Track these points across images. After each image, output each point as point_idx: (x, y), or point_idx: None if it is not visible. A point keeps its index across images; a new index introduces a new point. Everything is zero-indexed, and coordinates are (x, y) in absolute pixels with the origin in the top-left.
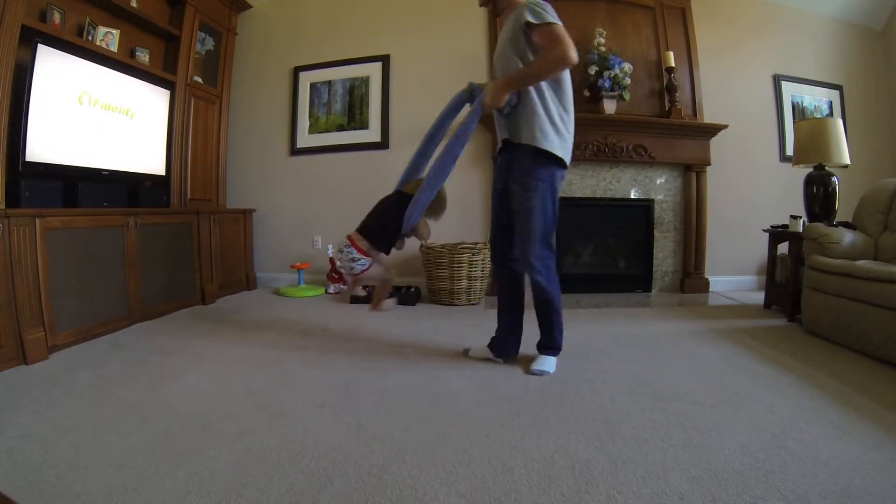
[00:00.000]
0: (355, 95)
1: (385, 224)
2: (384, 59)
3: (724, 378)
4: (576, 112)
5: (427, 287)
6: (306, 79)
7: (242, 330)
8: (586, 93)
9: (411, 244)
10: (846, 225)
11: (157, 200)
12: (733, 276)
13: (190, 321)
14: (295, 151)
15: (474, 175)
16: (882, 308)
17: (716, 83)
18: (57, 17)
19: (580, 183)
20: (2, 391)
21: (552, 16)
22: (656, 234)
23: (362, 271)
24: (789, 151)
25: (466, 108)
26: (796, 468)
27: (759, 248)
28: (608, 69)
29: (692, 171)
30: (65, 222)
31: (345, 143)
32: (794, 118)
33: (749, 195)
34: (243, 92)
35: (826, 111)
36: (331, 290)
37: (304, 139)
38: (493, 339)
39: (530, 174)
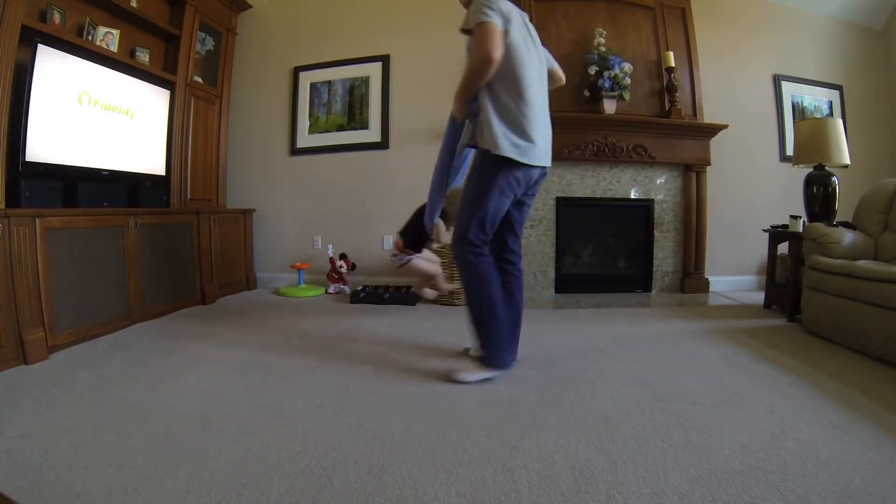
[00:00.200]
0: (355, 95)
1: (413, 227)
2: (384, 59)
3: (724, 378)
4: (576, 112)
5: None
6: (306, 79)
7: (242, 330)
8: (586, 93)
9: None
10: (846, 225)
11: (157, 200)
12: (733, 276)
13: (190, 321)
14: (295, 151)
15: None
16: (882, 308)
17: (716, 83)
18: (57, 17)
19: (580, 183)
20: (2, 391)
21: (484, 14)
22: (656, 234)
23: (402, 265)
24: (789, 151)
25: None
26: (796, 468)
27: (759, 248)
28: (608, 69)
29: (692, 171)
30: (65, 222)
31: (345, 143)
32: (794, 118)
33: (749, 195)
34: (243, 92)
35: (826, 111)
36: (331, 289)
37: (304, 139)
38: None
39: (478, 170)
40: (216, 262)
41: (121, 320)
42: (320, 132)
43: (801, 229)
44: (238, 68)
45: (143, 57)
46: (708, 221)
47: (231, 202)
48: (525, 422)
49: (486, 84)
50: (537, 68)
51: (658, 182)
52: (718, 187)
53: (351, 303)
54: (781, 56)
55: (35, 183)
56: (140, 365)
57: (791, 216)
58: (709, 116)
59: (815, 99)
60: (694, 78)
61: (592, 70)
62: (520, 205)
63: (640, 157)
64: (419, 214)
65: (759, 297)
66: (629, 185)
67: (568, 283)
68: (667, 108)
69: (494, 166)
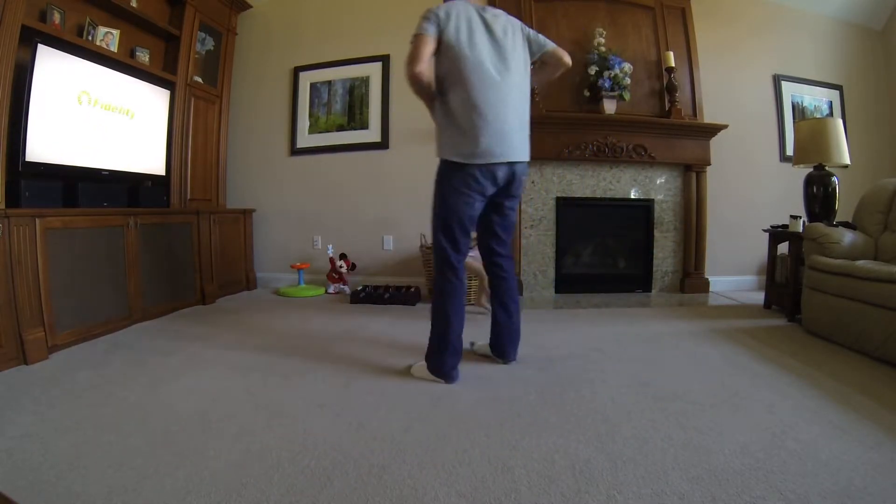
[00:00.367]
0: (355, 95)
1: None
2: (384, 59)
3: (724, 378)
4: (576, 112)
5: (427, 287)
6: (306, 79)
7: (242, 330)
8: (586, 93)
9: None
10: (846, 225)
11: (157, 200)
12: (733, 276)
13: (190, 321)
14: (295, 151)
15: None
16: (882, 308)
17: (716, 83)
18: (57, 17)
19: (580, 183)
20: (2, 391)
21: (419, 26)
22: (656, 234)
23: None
24: (789, 151)
25: None
26: (796, 468)
27: (759, 248)
28: (608, 69)
29: (692, 171)
30: (65, 222)
31: (345, 143)
32: (794, 118)
33: (749, 195)
34: (243, 92)
35: (826, 111)
36: (331, 290)
37: (304, 139)
38: (491, 338)
39: (436, 175)
40: (216, 262)
41: (121, 320)
42: (320, 132)
43: (801, 229)
44: (238, 68)
45: (143, 57)
46: (708, 221)
47: (231, 202)
48: (525, 422)
49: (439, 90)
50: (492, 64)
51: (658, 182)
52: (718, 187)
53: (351, 303)
54: (781, 56)
55: (35, 183)
56: (140, 365)
57: (791, 216)
58: (709, 116)
59: (815, 99)
60: (694, 78)
61: (592, 70)
62: (498, 207)
63: (640, 157)
64: None
65: (759, 297)
66: (629, 185)
67: (568, 283)
68: (667, 108)
69: (445, 169)
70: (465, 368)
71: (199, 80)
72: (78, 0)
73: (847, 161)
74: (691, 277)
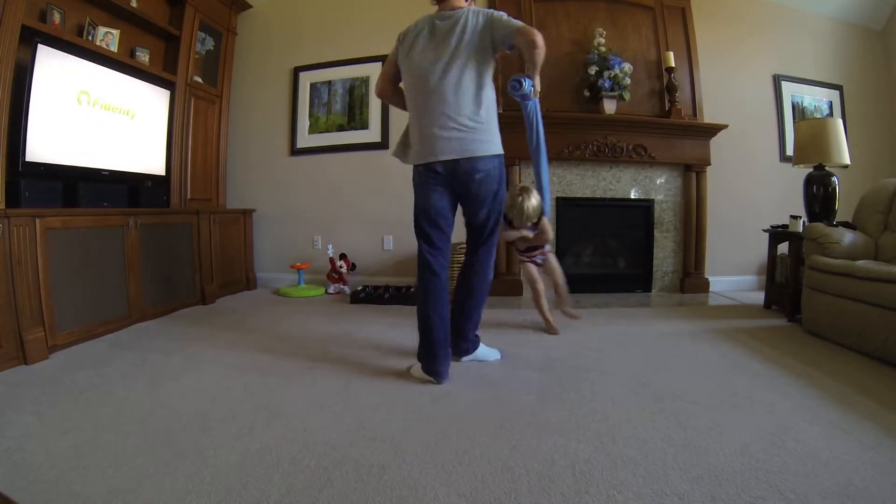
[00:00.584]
0: (355, 95)
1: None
2: (384, 60)
3: (724, 378)
4: (576, 112)
5: None
6: (306, 79)
7: (242, 330)
8: (586, 93)
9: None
10: (846, 225)
11: (157, 200)
12: (733, 276)
13: (190, 321)
14: (295, 151)
15: None
16: (882, 308)
17: (716, 83)
18: (57, 17)
19: (580, 183)
20: (2, 391)
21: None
22: (656, 234)
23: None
24: (789, 151)
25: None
26: (796, 468)
27: (759, 248)
28: (608, 69)
29: (692, 171)
30: (65, 222)
31: (345, 143)
32: (794, 118)
33: (749, 195)
34: (243, 92)
35: (826, 111)
36: (331, 289)
37: (304, 139)
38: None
39: None
40: (216, 262)
41: (121, 320)
42: (320, 132)
43: (801, 229)
44: (238, 68)
45: (143, 57)
46: (708, 221)
47: (231, 202)
48: (525, 422)
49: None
50: (429, 70)
51: (658, 182)
52: (718, 187)
53: (351, 303)
54: (781, 56)
55: (35, 183)
56: (140, 365)
57: (791, 216)
58: (709, 116)
59: (815, 99)
60: (694, 78)
61: (592, 70)
62: (463, 200)
63: (640, 157)
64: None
65: (759, 297)
66: (629, 185)
67: (568, 283)
68: (667, 108)
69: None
70: (466, 369)
71: (199, 80)
72: (78, 0)
73: (847, 161)
74: (691, 277)
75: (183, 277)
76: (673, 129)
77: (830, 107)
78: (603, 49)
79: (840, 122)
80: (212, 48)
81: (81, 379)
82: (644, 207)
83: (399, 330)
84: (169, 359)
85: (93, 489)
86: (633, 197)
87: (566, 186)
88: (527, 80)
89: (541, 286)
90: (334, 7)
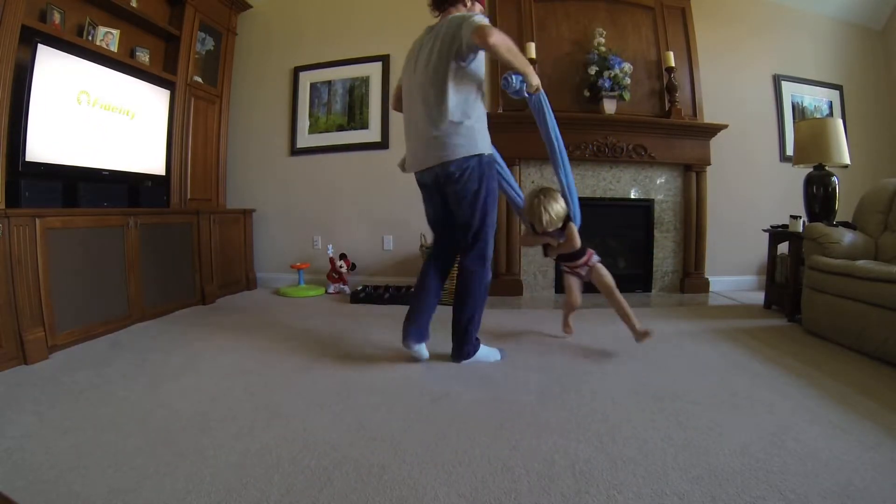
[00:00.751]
0: (355, 95)
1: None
2: (384, 59)
3: (724, 378)
4: (576, 112)
5: None
6: (306, 79)
7: (242, 330)
8: (586, 93)
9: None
10: (846, 225)
11: (157, 200)
12: (733, 276)
13: (190, 321)
14: (295, 151)
15: None
16: (882, 308)
17: (716, 83)
18: (57, 17)
19: (580, 183)
20: (2, 391)
21: None
22: (656, 234)
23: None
24: (789, 151)
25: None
26: (796, 468)
27: (759, 248)
28: (608, 69)
29: (692, 171)
30: (65, 222)
31: (345, 143)
32: (794, 118)
33: (749, 195)
34: (243, 92)
35: (826, 111)
36: (331, 289)
37: (304, 139)
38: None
39: None
40: (216, 262)
41: (121, 320)
42: (320, 132)
43: (801, 229)
44: (238, 68)
45: (143, 57)
46: (708, 221)
47: (231, 202)
48: (525, 422)
49: None
50: (410, 82)
51: (658, 182)
52: (718, 187)
53: (351, 303)
54: (781, 56)
55: (35, 183)
56: (140, 365)
57: (791, 216)
58: (709, 116)
59: (815, 99)
60: (694, 78)
61: (592, 70)
62: (449, 204)
63: (640, 157)
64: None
65: (759, 297)
66: (629, 185)
67: None
68: (667, 108)
69: None
70: (465, 369)
71: (199, 80)
72: (78, 0)
73: (847, 161)
74: (691, 277)
75: (183, 277)
76: (673, 129)
77: (830, 107)
78: (603, 49)
79: (840, 122)
80: (212, 48)
81: (81, 379)
82: (644, 207)
83: (399, 330)
84: (169, 359)
85: (93, 489)
86: (633, 197)
87: None
88: (514, 76)
89: (574, 301)
90: (334, 7)
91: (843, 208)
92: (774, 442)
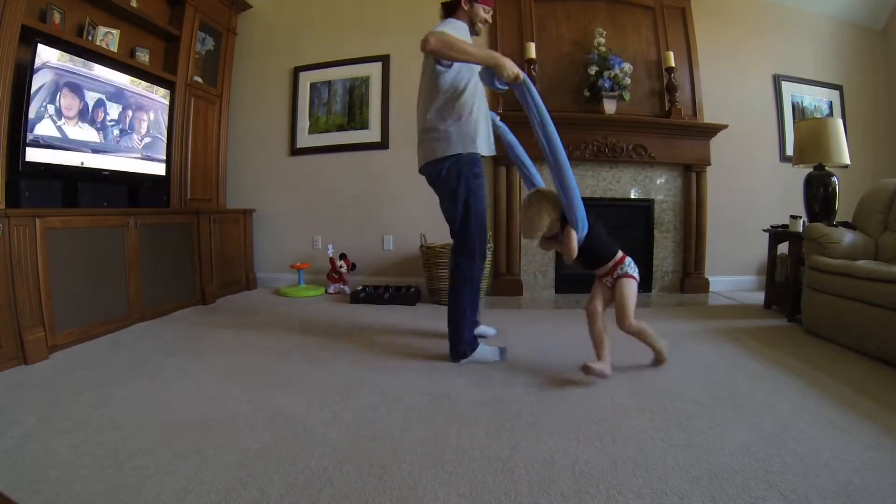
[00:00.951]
0: (355, 95)
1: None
2: (384, 59)
3: (724, 378)
4: (576, 112)
5: (427, 287)
6: (306, 79)
7: (242, 330)
8: (586, 93)
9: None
10: (846, 225)
11: (157, 200)
12: (733, 276)
13: (190, 321)
14: (295, 151)
15: None
16: (882, 308)
17: (716, 83)
18: (57, 17)
19: (580, 183)
20: (2, 391)
21: None
22: (656, 234)
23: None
24: (789, 151)
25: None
26: (796, 468)
27: (759, 248)
28: (608, 69)
29: (692, 171)
30: (65, 222)
31: (345, 143)
32: (794, 118)
33: (749, 195)
34: (243, 92)
35: (826, 111)
36: (331, 289)
37: (304, 139)
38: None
39: None
40: (216, 262)
41: (121, 320)
42: (320, 132)
43: (801, 229)
44: (238, 68)
45: (143, 57)
46: (708, 221)
47: (231, 202)
48: (525, 422)
49: None
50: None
51: (658, 182)
52: (718, 187)
53: (351, 303)
54: (781, 56)
55: (35, 183)
56: (140, 365)
57: (791, 216)
58: (709, 116)
59: (815, 99)
60: (694, 78)
61: (592, 70)
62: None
63: (640, 157)
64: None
65: (759, 297)
66: (629, 185)
67: (568, 283)
68: (667, 108)
69: None
70: (465, 369)
71: (199, 80)
72: (78, 0)
73: (847, 161)
74: (691, 277)
75: (183, 277)
76: (673, 129)
77: (830, 107)
78: (603, 49)
79: (840, 122)
80: (212, 48)
81: (81, 379)
82: (644, 207)
83: (399, 330)
84: (169, 359)
85: (93, 489)
86: (633, 197)
87: None
88: (486, 70)
89: (594, 312)
90: (334, 7)
91: (843, 208)
92: (774, 442)
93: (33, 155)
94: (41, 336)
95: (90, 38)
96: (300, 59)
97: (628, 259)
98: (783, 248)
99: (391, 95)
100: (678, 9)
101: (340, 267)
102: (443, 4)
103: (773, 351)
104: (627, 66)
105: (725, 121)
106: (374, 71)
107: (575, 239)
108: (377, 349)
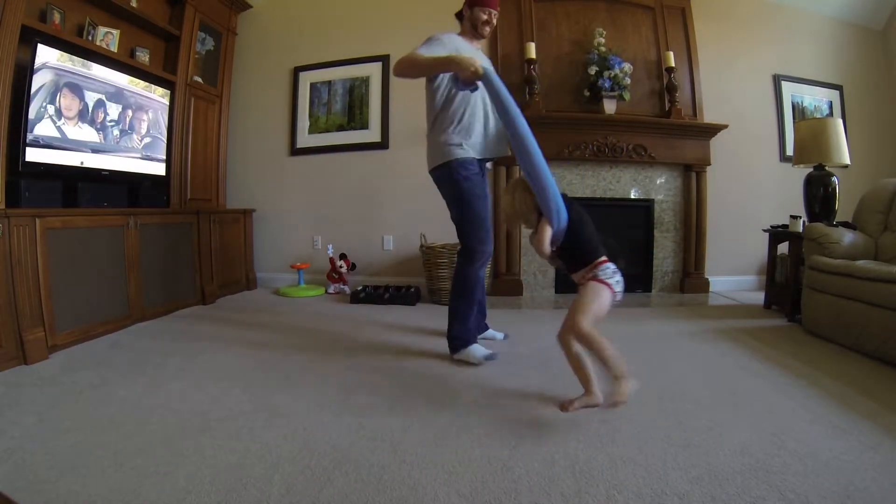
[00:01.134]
0: (355, 95)
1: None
2: (384, 59)
3: (724, 378)
4: (576, 112)
5: (427, 287)
6: (306, 79)
7: (242, 330)
8: (586, 93)
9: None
10: (846, 225)
11: (157, 200)
12: (733, 276)
13: (190, 321)
14: (295, 151)
15: None
16: (882, 308)
17: (716, 83)
18: (57, 17)
19: (580, 183)
20: (2, 391)
21: None
22: (656, 234)
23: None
24: (789, 151)
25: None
26: (796, 468)
27: (759, 248)
28: (608, 69)
29: (692, 171)
30: (65, 222)
31: (345, 143)
32: (794, 118)
33: (749, 195)
34: (243, 92)
35: (826, 111)
36: (331, 289)
37: (304, 139)
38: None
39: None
40: (216, 262)
41: (121, 320)
42: (320, 132)
43: (801, 229)
44: (238, 68)
45: (143, 57)
46: (708, 221)
47: (231, 202)
48: (525, 422)
49: None
50: None
51: (658, 182)
52: (718, 187)
53: (351, 303)
54: (781, 56)
55: (35, 183)
56: (140, 365)
57: (791, 216)
58: (709, 116)
59: (815, 99)
60: (694, 78)
61: (592, 70)
62: None
63: (640, 157)
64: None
65: (759, 297)
66: (629, 185)
67: (568, 283)
68: (667, 108)
69: None
70: (465, 369)
71: (199, 80)
72: (78, 0)
73: (847, 161)
74: (691, 277)
75: (183, 277)
76: (673, 129)
77: (830, 107)
78: (603, 49)
79: (840, 122)
80: (212, 48)
81: (81, 379)
82: (644, 207)
83: (399, 330)
84: (169, 359)
85: (93, 489)
86: (633, 197)
87: (566, 187)
88: (452, 78)
89: (575, 325)
90: (334, 7)
91: (843, 208)
92: (774, 442)
93: (33, 155)
94: (41, 336)
95: (90, 38)
96: (300, 58)
97: (610, 264)
98: (783, 248)
99: (391, 95)
100: (678, 9)
101: (340, 267)
102: (456, 15)
103: (773, 351)
104: (627, 66)
105: (725, 121)
106: (374, 71)
107: (548, 231)
108: (377, 349)
